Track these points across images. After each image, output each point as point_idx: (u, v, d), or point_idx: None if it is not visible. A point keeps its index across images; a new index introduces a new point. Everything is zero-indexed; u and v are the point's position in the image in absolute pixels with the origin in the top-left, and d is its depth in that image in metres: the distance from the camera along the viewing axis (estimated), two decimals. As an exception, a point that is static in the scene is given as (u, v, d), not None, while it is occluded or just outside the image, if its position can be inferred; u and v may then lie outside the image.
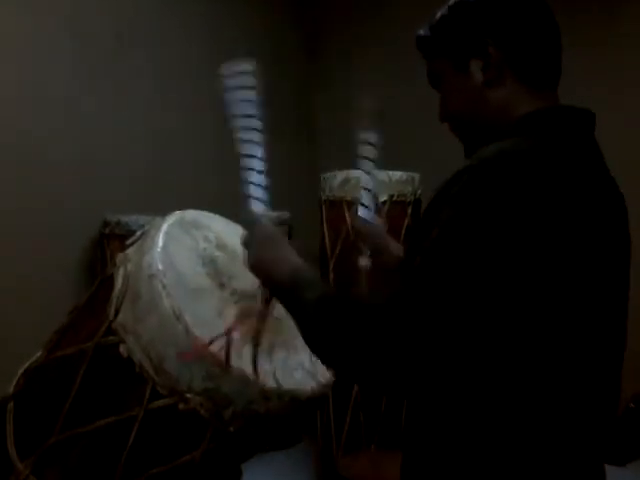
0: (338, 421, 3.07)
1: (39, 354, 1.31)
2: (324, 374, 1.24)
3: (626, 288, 1.02)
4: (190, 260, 1.22)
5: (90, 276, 3.06)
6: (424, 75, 1.13)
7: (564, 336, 0.90)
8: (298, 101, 4.51)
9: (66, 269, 3.05)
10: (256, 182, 1.14)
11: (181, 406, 1.10)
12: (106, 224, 2.97)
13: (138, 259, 1.17)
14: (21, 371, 1.31)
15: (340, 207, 3.01)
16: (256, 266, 1.08)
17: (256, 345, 1.14)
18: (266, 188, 1.14)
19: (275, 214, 3.55)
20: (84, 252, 3.12)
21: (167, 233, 1.20)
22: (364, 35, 4.44)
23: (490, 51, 1.02)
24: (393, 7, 4.31)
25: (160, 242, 1.17)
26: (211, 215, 1.37)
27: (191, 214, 1.32)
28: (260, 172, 1.15)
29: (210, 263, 1.25)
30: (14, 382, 1.30)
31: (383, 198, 2.92)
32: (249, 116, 1.15)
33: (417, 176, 3.07)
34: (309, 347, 0.95)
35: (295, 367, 1.21)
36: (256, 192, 1.14)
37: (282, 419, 1.17)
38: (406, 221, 2.98)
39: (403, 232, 2.95)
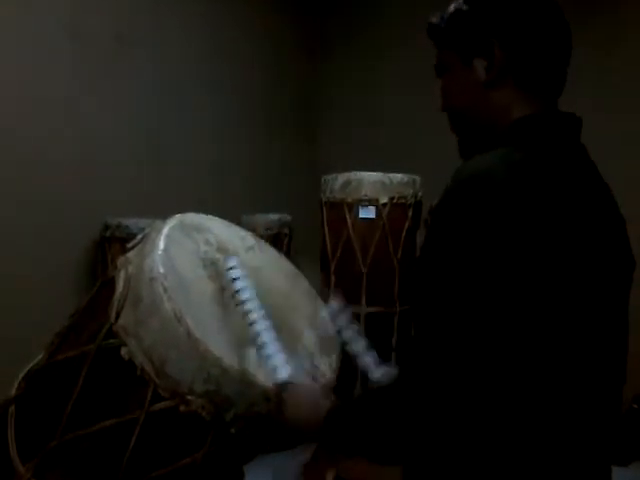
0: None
1: (40, 357, 1.31)
2: (324, 375, 1.24)
3: (626, 291, 1.03)
4: (191, 263, 1.22)
5: (91, 279, 3.07)
6: (426, 77, 1.13)
7: (562, 346, 0.92)
8: (298, 101, 4.51)
9: (67, 272, 3.05)
10: (272, 352, 1.16)
11: (182, 408, 1.10)
12: (107, 227, 2.99)
13: (139, 262, 1.17)
14: (22, 374, 1.31)
15: (341, 209, 3.01)
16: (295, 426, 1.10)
17: None
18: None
19: (276, 216, 3.56)
20: (85, 255, 3.13)
21: (168, 236, 1.20)
22: (364, 35, 4.44)
23: (495, 52, 1.02)
24: (393, 8, 4.31)
25: (161, 245, 1.17)
26: (212, 218, 1.37)
27: (192, 217, 1.32)
28: (273, 341, 1.17)
29: (211, 266, 1.25)
30: (15, 385, 1.30)
31: (384, 200, 2.93)
32: (250, 299, 1.19)
33: (418, 178, 3.07)
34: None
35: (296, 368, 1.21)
36: (276, 361, 1.15)
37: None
38: (407, 223, 2.97)
39: (404, 234, 2.94)
